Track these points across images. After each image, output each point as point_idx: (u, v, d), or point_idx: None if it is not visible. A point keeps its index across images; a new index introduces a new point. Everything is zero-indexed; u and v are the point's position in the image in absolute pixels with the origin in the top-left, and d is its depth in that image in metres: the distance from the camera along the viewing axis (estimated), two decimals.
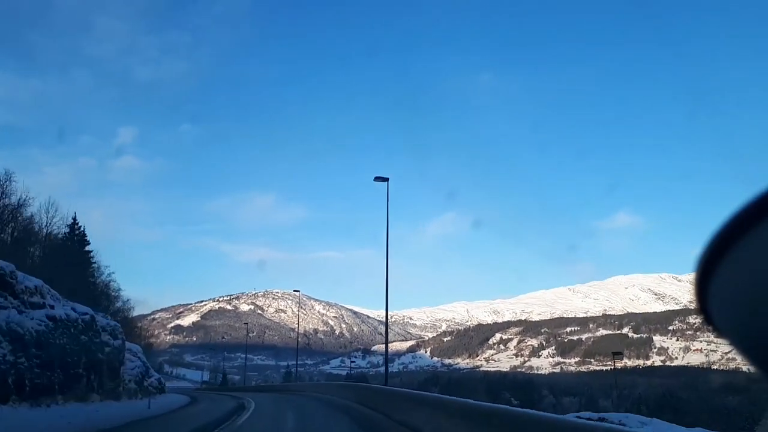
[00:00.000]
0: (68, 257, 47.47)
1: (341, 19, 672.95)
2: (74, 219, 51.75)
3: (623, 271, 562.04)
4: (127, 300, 74.05)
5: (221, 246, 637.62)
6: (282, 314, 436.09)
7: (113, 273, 64.55)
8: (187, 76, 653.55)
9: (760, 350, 1.11)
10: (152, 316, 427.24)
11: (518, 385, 67.22)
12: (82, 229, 53.17)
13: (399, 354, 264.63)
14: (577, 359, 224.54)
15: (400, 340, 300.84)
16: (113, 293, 65.49)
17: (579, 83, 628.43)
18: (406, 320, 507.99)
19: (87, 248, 53.48)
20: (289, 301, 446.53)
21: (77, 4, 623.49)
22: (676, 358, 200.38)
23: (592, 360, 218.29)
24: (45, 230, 47.07)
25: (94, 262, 55.46)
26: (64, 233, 51.30)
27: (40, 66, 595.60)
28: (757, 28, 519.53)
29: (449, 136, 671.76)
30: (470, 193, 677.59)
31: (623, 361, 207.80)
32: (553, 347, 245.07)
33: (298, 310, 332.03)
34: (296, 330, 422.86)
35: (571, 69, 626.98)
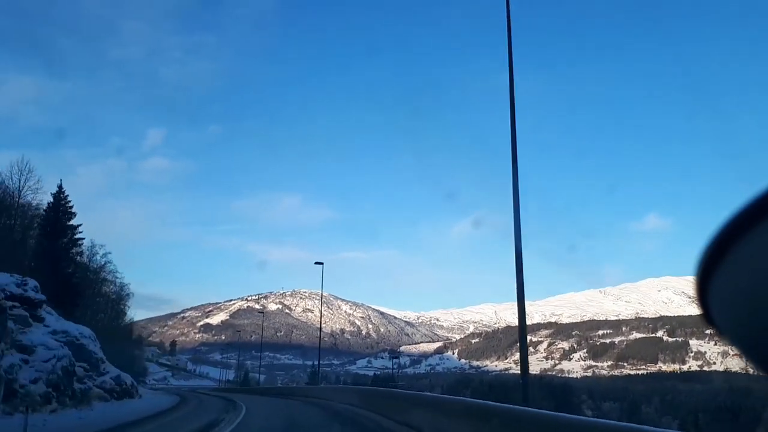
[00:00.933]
0: (47, 230, 43.24)
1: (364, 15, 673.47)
2: (59, 187, 46.22)
3: (654, 273, 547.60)
4: (125, 285, 68.01)
5: (248, 246, 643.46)
6: (309, 314, 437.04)
7: (109, 254, 58.64)
8: (212, 77, 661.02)
9: (760, 350, 1.11)
10: (182, 315, 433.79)
11: (554, 389, 64.31)
12: (67, 199, 47.06)
13: (426, 355, 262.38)
14: (609, 363, 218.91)
15: (427, 342, 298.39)
16: (109, 277, 61.15)
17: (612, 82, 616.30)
18: (433, 321, 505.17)
19: (72, 222, 47.67)
20: (317, 301, 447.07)
21: (104, 7, 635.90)
22: (714, 362, 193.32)
23: (625, 364, 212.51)
24: (17, 197, 41.02)
25: (81, 238, 49.29)
26: (49, 203, 45.65)
27: (70, 69, 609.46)
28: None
29: (481, 137, 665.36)
30: (497, 194, 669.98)
31: (658, 366, 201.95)
32: (585, 350, 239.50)
33: (319, 308, 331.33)
34: (324, 330, 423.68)
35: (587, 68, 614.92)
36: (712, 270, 1.09)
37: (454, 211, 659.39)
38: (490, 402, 10.19)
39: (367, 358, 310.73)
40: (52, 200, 45.66)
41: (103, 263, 58.29)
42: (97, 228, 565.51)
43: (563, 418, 7.34)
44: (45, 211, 45.68)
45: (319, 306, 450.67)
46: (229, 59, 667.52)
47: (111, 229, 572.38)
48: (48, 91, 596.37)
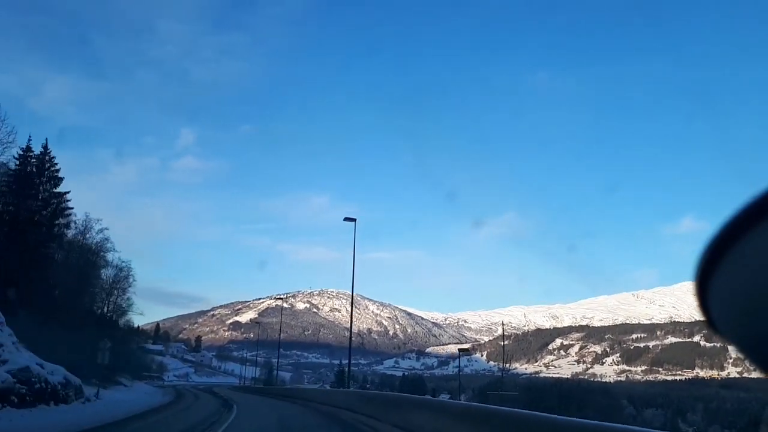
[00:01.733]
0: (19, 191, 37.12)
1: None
2: (44, 146, 40.26)
3: (690, 277, 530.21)
4: (124, 266, 56.99)
5: (277, 245, 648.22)
6: (336, 313, 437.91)
7: (106, 230, 49.27)
8: (243, 77, 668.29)
9: (760, 350, 1.12)
10: (212, 313, 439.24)
11: (592, 393, 61.65)
12: (53, 161, 40.71)
13: (454, 357, 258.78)
14: (643, 368, 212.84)
15: (454, 343, 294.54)
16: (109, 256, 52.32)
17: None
18: (460, 323, 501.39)
19: (59, 189, 41.34)
20: (344, 301, 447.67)
21: (140, 7, 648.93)
22: (755, 369, 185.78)
23: (660, 369, 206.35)
24: None
25: (69, 208, 42.44)
26: (18, 157, 37.87)
27: (106, 68, 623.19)
28: None
29: (520, 135, 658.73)
30: (529, 196, 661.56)
31: (695, 371, 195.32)
32: (618, 354, 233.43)
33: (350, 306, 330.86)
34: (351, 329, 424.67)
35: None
36: (712, 270, 1.09)
37: (482, 212, 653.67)
38: (490, 405, 10.24)
39: (394, 359, 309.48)
40: (21, 153, 38.38)
41: (98, 240, 49.20)
42: (129, 226, 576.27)
43: (563, 420, 7.43)
44: (15, 168, 38.30)
45: (347, 305, 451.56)
46: (260, 59, 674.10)
47: (143, 227, 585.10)
48: (85, 91, 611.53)
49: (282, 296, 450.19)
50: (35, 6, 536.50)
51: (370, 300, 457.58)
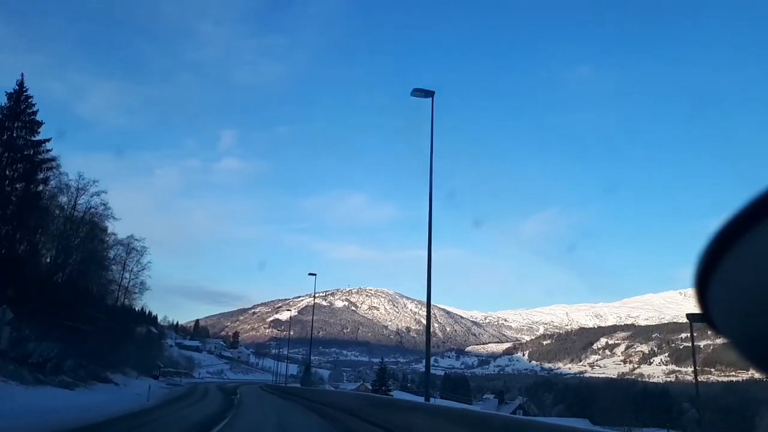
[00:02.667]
0: None
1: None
2: (19, 83, 32.86)
3: None
4: (133, 241, 49.14)
5: (315, 244, 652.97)
6: (375, 311, 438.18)
7: (104, 193, 40.00)
8: (282, 78, 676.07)
9: (760, 350, 1.11)
10: (252, 311, 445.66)
11: (648, 395, 58.08)
12: (29, 101, 33.16)
13: (494, 356, 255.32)
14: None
15: (495, 342, 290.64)
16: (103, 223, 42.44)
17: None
18: (500, 322, 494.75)
19: (38, 137, 33.36)
20: (382, 299, 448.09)
21: (181, 11, 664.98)
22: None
23: (713, 369, 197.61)
24: None
25: (50, 159, 34.05)
26: None
27: (149, 72, 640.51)
28: None
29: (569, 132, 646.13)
30: (571, 192, 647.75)
31: (750, 372, 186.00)
32: (666, 354, 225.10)
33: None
34: (390, 327, 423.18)
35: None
36: (712, 270, 1.10)
37: (522, 210, 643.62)
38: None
39: (433, 357, 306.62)
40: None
41: (95, 207, 40.37)
42: (171, 226, 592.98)
43: (557, 425, 7.59)
44: None
45: (385, 303, 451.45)
46: (299, 60, 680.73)
47: (185, 227, 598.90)
48: (128, 95, 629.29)
49: (320, 294, 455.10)
50: (80, 13, 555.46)
51: (408, 298, 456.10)
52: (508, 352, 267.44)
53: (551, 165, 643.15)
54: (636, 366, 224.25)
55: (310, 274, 43.61)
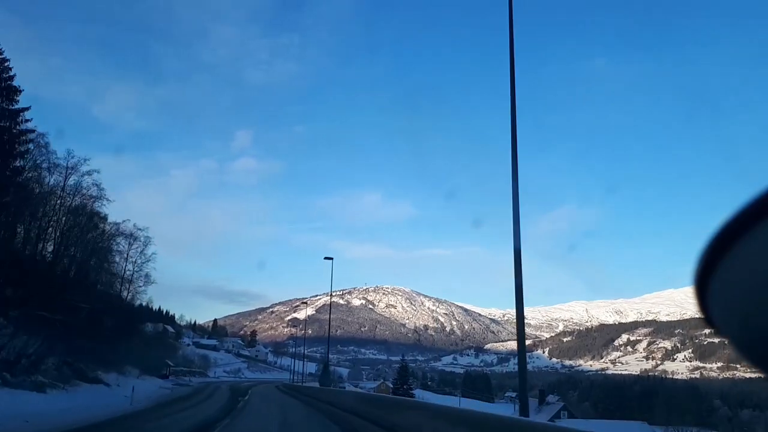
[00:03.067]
0: None
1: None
2: None
3: None
4: (138, 233, 45.17)
5: (331, 243, 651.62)
6: (392, 309, 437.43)
7: (96, 172, 35.58)
8: (296, 78, 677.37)
9: (760, 350, 1.11)
10: (271, 310, 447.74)
11: (677, 392, 56.31)
12: (5, 63, 28.48)
13: (514, 354, 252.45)
14: (719, 364, 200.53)
15: (513, 340, 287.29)
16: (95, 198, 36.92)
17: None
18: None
19: (17, 105, 28.95)
20: (399, 297, 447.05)
21: (194, 13, 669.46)
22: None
23: (738, 366, 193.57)
24: None
25: (31, 131, 29.83)
26: None
27: (164, 74, 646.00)
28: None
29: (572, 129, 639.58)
30: (587, 186, 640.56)
31: None
32: (690, 350, 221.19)
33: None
34: (407, 325, 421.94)
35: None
36: (712, 270, 1.10)
37: (537, 206, 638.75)
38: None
39: (452, 355, 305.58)
40: None
41: (83, 186, 35.40)
42: (189, 227, 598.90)
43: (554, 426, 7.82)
44: None
45: (403, 301, 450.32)
46: (312, 59, 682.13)
47: (203, 228, 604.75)
48: (145, 97, 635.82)
49: (338, 292, 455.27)
50: (96, 16, 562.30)
51: (426, 296, 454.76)
52: (527, 350, 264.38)
53: (566, 162, 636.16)
54: (659, 362, 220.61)
55: (326, 258, 42.73)
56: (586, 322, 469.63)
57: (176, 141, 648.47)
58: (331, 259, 41.53)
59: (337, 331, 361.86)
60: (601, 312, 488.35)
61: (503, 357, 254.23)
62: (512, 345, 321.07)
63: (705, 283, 1.13)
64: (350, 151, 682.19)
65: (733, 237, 1.02)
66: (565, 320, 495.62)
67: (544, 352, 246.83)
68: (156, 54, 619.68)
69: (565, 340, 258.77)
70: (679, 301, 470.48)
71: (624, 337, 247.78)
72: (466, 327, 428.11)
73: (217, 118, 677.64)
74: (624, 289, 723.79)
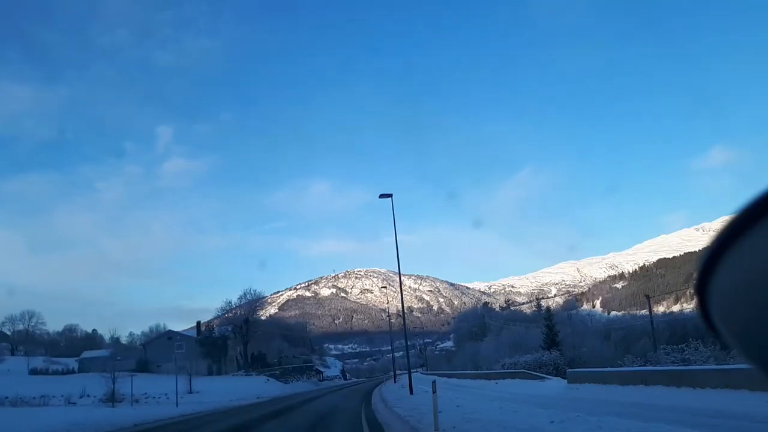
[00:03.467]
0: None
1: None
2: None
3: (725, 212, 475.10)
4: None
5: (289, 242, 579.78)
6: (369, 294, 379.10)
7: None
8: (210, 55, 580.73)
9: (760, 350, 1.10)
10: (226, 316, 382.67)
11: None
12: None
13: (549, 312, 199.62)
14: None
15: (533, 300, 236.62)
16: None
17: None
18: (508, 289, 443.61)
19: None
20: (375, 279, 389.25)
21: None
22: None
23: None
24: None
25: None
26: None
27: (61, 68, 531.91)
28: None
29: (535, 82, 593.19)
30: (546, 149, 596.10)
31: None
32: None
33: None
34: (388, 310, 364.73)
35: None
36: (712, 270, 1.09)
37: (500, 172, 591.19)
38: None
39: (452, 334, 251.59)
40: None
41: None
42: (126, 245, 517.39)
43: None
44: None
45: (380, 283, 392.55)
46: (225, 30, 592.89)
47: (142, 244, 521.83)
48: (43, 99, 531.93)
49: (302, 284, 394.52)
50: None
51: (405, 275, 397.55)
52: (568, 306, 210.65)
53: (521, 122, 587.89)
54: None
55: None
56: (580, 282, 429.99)
57: (93, 147, 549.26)
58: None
59: (308, 328, 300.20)
60: (594, 269, 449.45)
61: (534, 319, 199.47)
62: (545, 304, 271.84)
63: (705, 284, 1.13)
64: (290, 138, 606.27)
65: (732, 238, 1.01)
66: (557, 283, 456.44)
67: (594, 306, 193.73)
68: (46, 43, 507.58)
69: (619, 286, 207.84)
70: (676, 246, 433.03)
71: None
72: (456, 302, 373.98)
73: (130, 113, 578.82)
74: (613, 244, 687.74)
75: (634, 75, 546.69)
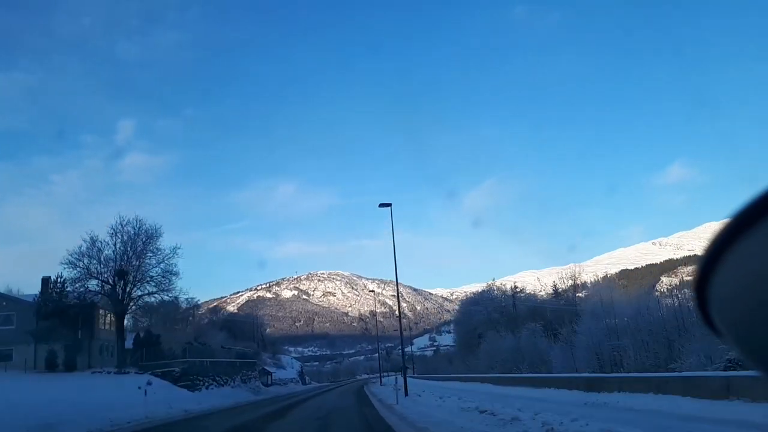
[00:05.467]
0: None
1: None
2: None
3: (681, 227, 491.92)
4: None
5: (252, 243, 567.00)
6: (331, 297, 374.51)
7: None
8: (177, 48, 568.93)
9: (760, 351, 1.10)
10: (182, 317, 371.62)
11: None
12: None
13: None
14: None
15: None
16: None
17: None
18: (470, 297, 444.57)
19: None
20: (338, 282, 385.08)
21: None
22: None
23: None
24: None
25: None
26: None
27: (20, 55, 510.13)
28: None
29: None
30: (510, 161, 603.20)
31: None
32: None
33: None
34: (351, 314, 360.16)
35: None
36: (712, 270, 1.09)
37: (464, 179, 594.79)
38: None
39: (426, 335, 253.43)
40: None
41: None
42: (81, 241, 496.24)
43: None
44: None
45: (342, 286, 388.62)
46: (194, 23, 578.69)
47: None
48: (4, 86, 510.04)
49: (263, 285, 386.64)
50: None
51: (368, 279, 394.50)
52: None
53: (492, 129, 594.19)
54: None
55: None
56: (540, 291, 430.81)
57: (49, 139, 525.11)
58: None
59: (266, 329, 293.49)
60: (554, 278, 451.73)
61: None
62: None
63: (705, 284, 1.13)
64: (255, 136, 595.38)
65: (732, 238, 1.01)
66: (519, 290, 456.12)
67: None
68: (3, 28, 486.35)
69: (582, 295, 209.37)
70: (634, 259, 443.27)
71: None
72: (419, 308, 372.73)
73: (93, 106, 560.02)
74: (574, 255, 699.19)
75: (599, 86, 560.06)
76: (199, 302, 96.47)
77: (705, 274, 1.10)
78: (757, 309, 1.02)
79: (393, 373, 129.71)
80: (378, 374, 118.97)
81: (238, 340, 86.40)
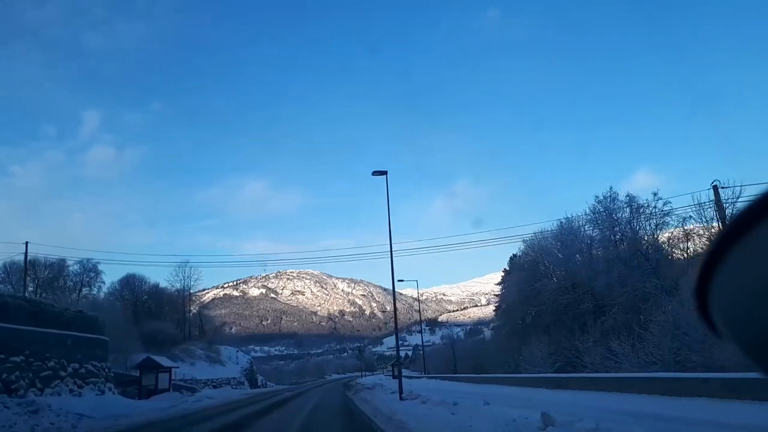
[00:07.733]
0: None
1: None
2: None
3: None
4: None
5: (220, 242, 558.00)
6: (300, 296, 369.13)
7: None
8: (144, 40, 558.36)
9: (760, 351, 1.10)
10: None
11: None
12: None
13: (486, 321, 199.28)
14: None
15: (464, 309, 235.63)
16: None
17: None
18: (440, 297, 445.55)
19: None
20: (307, 281, 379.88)
21: None
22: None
23: None
24: None
25: None
26: None
27: None
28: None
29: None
30: (481, 160, 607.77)
31: None
32: None
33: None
34: (319, 313, 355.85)
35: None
36: (712, 271, 1.09)
37: (438, 180, 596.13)
38: None
39: (387, 338, 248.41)
40: None
41: None
42: (44, 235, 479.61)
43: None
44: None
45: (312, 285, 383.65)
46: (162, 14, 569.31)
47: (61, 235, 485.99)
48: None
49: (230, 283, 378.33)
50: None
51: (338, 278, 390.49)
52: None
53: (460, 134, 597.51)
54: None
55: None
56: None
57: (8, 129, 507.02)
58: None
59: (231, 329, 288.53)
60: None
61: (473, 328, 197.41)
62: (477, 312, 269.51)
63: (705, 285, 1.13)
64: (224, 132, 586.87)
65: (733, 239, 1.01)
66: (486, 293, 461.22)
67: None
68: None
69: None
70: None
71: None
72: (388, 308, 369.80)
73: (55, 96, 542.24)
74: None
75: (575, 91, 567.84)
76: None
77: (706, 274, 1.10)
78: (758, 309, 1.02)
79: (369, 373, 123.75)
80: (357, 374, 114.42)
81: (160, 320, 58.96)
